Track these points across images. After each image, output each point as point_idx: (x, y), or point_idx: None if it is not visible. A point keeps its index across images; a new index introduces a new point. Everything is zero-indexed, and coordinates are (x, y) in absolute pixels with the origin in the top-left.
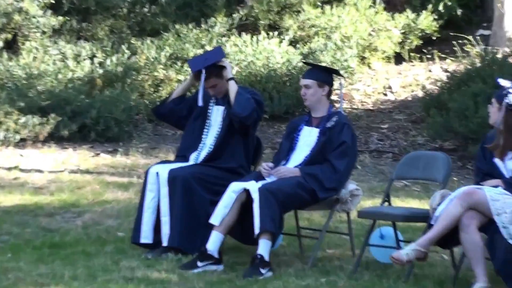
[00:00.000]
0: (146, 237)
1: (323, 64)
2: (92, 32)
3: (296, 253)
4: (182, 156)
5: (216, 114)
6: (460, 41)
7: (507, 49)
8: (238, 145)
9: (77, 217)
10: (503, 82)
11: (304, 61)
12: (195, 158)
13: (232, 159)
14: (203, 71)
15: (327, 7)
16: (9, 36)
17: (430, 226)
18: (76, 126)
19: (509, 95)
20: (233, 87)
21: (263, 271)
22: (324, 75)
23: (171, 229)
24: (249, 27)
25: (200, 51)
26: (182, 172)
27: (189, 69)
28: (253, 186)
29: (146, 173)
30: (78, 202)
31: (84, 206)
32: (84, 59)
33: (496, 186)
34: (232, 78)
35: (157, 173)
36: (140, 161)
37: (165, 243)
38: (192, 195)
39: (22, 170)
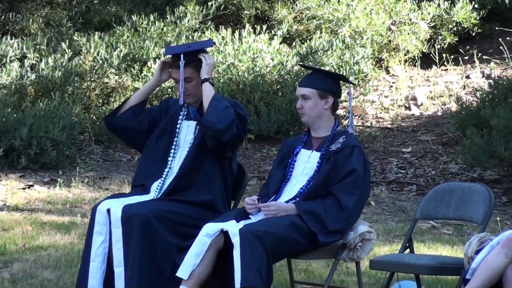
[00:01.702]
0: None
1: (327, 68)
2: (22, 25)
3: None
4: (139, 186)
5: (186, 132)
6: (508, 38)
7: None
8: (213, 171)
9: (3, 268)
10: None
11: (302, 64)
12: (158, 188)
13: (205, 190)
14: (182, 58)
15: None
16: None
17: (465, 281)
18: (0, 150)
19: None
20: (208, 91)
21: None
22: (328, 83)
23: (126, 283)
24: (229, 19)
25: (164, 51)
26: (140, 209)
27: (150, 74)
28: (233, 227)
29: (94, 210)
30: (4, 248)
31: (12, 253)
32: (11, 61)
33: None
34: (207, 79)
35: (108, 210)
36: (86, 195)
37: None
38: (154, 239)
39: None
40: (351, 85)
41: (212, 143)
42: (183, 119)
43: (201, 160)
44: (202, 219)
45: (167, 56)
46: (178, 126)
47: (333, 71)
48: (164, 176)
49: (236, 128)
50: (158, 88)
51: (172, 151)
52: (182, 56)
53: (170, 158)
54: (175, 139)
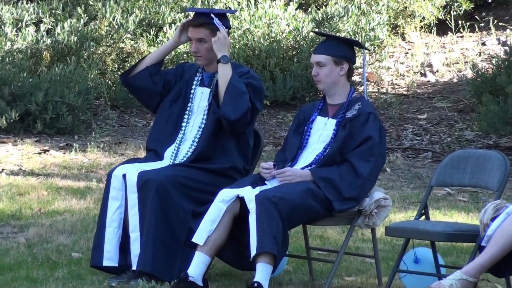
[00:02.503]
0: (109, 258)
1: (342, 35)
2: None
3: (305, 281)
4: (152, 150)
5: (200, 99)
6: None
7: None
8: (230, 139)
9: (19, 233)
10: None
11: (317, 30)
12: (172, 155)
13: (225, 158)
14: (212, 15)
15: None
16: None
17: (480, 248)
18: (16, 114)
19: None
20: (223, 75)
21: None
22: (343, 49)
23: (142, 248)
24: None
25: (180, 16)
26: (156, 175)
27: (165, 39)
28: (249, 194)
29: (109, 175)
30: (20, 213)
31: (28, 218)
32: (27, 26)
33: None
34: (220, 60)
35: (124, 175)
36: (101, 160)
37: (134, 266)
38: (169, 204)
39: None
40: (366, 51)
41: (227, 128)
42: (197, 85)
43: (218, 129)
44: (218, 186)
45: (188, 13)
46: (192, 92)
47: (348, 37)
48: (178, 142)
49: (249, 115)
50: (173, 53)
51: (185, 117)
52: (212, 14)
53: (184, 124)
54: (189, 104)
